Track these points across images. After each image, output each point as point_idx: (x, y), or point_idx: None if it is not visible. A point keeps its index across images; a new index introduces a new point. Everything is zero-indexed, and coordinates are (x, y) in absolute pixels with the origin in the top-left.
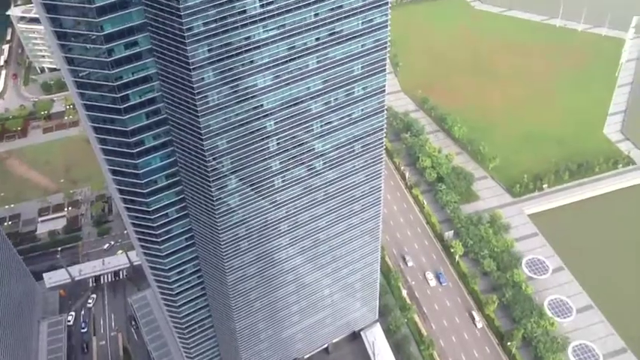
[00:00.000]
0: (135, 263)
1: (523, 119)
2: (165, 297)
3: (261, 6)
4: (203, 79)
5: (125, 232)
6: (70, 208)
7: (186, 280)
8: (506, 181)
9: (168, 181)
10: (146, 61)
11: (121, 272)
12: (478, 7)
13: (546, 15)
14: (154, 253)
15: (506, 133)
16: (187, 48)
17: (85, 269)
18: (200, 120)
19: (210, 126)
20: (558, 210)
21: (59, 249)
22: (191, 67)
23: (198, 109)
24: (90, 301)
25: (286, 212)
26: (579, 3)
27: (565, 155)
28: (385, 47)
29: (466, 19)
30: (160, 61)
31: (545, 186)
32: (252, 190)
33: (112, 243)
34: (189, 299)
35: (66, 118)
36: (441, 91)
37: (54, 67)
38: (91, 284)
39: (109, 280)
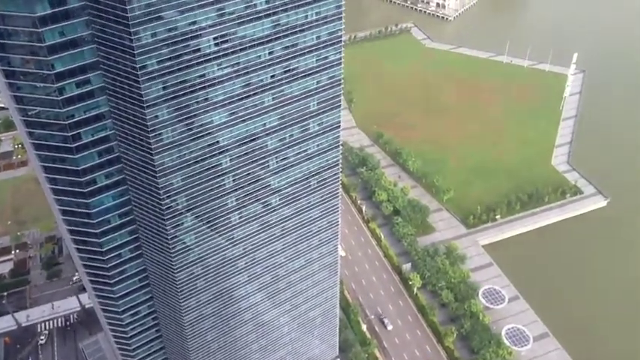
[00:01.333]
0: (87, 306)
1: (474, 152)
2: (118, 340)
3: (216, 44)
4: (157, 116)
5: (77, 274)
6: (17, 251)
7: (140, 322)
8: (460, 212)
9: (122, 220)
10: (98, 99)
11: (71, 316)
12: (429, 45)
13: (493, 52)
14: (106, 294)
15: (459, 165)
16: (141, 86)
17: (33, 314)
18: (154, 158)
19: (165, 164)
20: (511, 240)
21: (5, 294)
22: (145, 105)
23: (153, 146)
24: (38, 347)
25: (244, 249)
26: (524, 40)
27: (516, 186)
28: (340, 84)
29: (417, 57)
30: (112, 99)
31: (497, 217)
32: (209, 227)
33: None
34: (143, 342)
35: (14, 157)
36: (395, 126)
37: (1, 105)
38: (39, 330)
39: (59, 325)
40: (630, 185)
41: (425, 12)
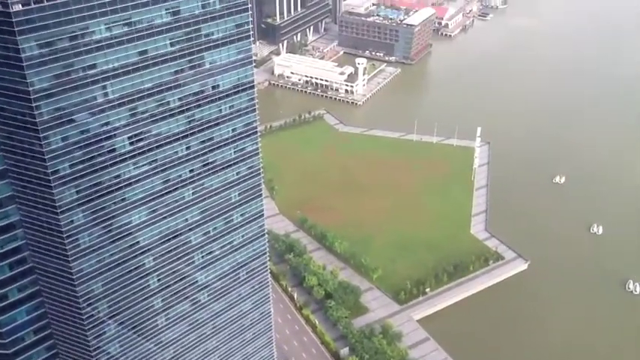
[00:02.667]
0: None
1: (397, 228)
2: None
3: (131, 144)
4: (72, 221)
5: None
6: None
7: None
8: (391, 289)
9: (37, 336)
10: (7, 208)
11: None
12: (342, 129)
13: (403, 131)
14: None
15: (384, 243)
16: (53, 191)
17: None
18: (71, 265)
19: (83, 270)
20: (444, 312)
21: None
22: (59, 211)
23: (69, 253)
24: None
25: (174, 352)
26: (430, 119)
27: (441, 257)
28: (259, 173)
29: (332, 141)
30: (23, 207)
31: (427, 290)
32: (134, 333)
33: None
34: None
35: None
36: (318, 210)
37: None
38: None
39: None
40: (546, 246)
41: (335, 99)
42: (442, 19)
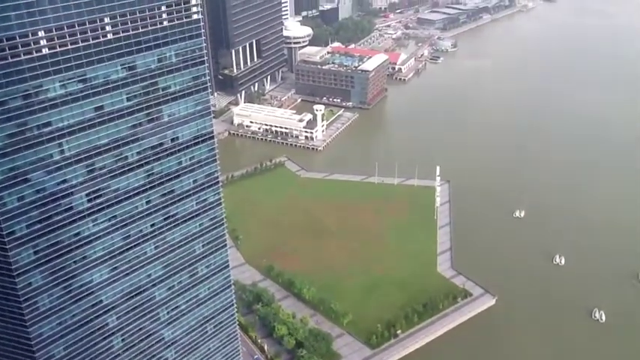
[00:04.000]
0: None
1: (364, 271)
2: None
3: (89, 200)
4: (30, 283)
5: None
6: None
7: None
8: (362, 334)
9: None
10: None
11: None
12: (304, 175)
13: (364, 175)
14: None
15: (352, 286)
16: (9, 253)
17: None
18: (29, 330)
19: (43, 334)
20: (416, 353)
21: None
22: (15, 274)
23: (26, 317)
24: None
25: None
26: (390, 161)
27: (409, 298)
28: (222, 224)
29: (294, 187)
30: None
31: (399, 332)
32: None
33: None
34: None
35: None
36: (284, 257)
37: None
38: None
39: None
40: (511, 279)
41: (295, 145)
42: (395, 64)
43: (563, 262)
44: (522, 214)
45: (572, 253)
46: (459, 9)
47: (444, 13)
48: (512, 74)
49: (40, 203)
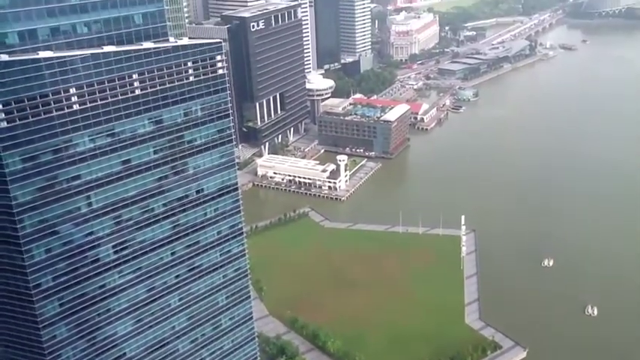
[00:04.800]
0: None
1: (389, 322)
2: None
3: (115, 252)
4: (55, 336)
5: None
6: None
7: None
8: None
9: None
10: None
11: None
12: (327, 226)
13: (389, 224)
14: None
15: (377, 338)
16: (35, 305)
17: None
18: None
19: None
20: None
21: None
22: (40, 326)
23: None
24: None
25: None
26: (414, 210)
27: (437, 349)
28: (246, 275)
29: (318, 237)
30: (2, 322)
31: None
32: None
33: None
34: None
35: None
36: (308, 309)
37: None
38: None
39: None
40: (542, 331)
41: (319, 195)
42: (417, 113)
43: (595, 312)
44: (551, 263)
45: (604, 303)
46: (480, 59)
47: (465, 63)
48: (534, 123)
49: (67, 255)
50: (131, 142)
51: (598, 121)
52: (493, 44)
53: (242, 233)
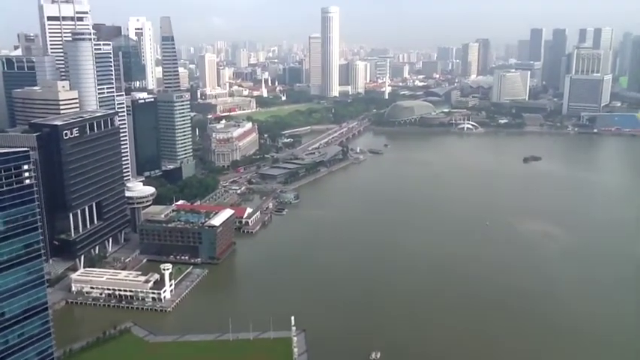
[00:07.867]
0: None
1: None
2: None
3: None
4: None
5: None
6: None
7: None
8: None
9: None
10: None
11: None
12: (152, 340)
13: (218, 332)
14: None
15: None
16: None
17: None
18: None
19: None
20: None
21: None
22: None
23: None
24: None
25: None
26: (245, 315)
27: None
28: None
29: (142, 355)
30: None
31: None
32: None
33: None
34: None
35: None
36: None
37: None
38: None
39: None
40: None
41: (142, 308)
42: (242, 217)
43: None
44: (378, 356)
45: None
46: (298, 163)
47: (285, 167)
48: (352, 220)
49: None
50: None
51: (413, 215)
52: (309, 150)
53: (53, 359)
